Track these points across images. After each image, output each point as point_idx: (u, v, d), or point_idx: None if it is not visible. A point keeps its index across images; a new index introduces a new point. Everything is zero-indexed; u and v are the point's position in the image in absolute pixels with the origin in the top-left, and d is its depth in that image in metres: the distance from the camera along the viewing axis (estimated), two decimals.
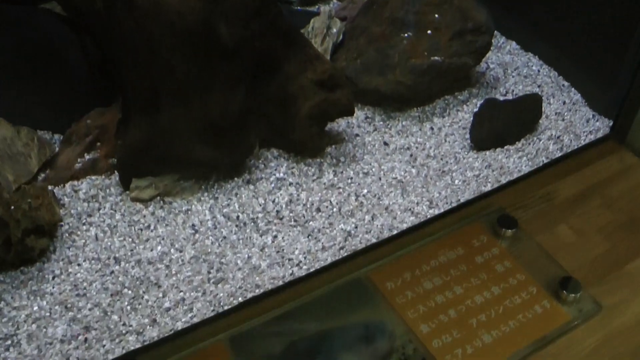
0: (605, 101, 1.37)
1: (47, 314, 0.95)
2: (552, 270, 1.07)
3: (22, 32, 1.18)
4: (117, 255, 1.03)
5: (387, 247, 1.09)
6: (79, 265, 1.01)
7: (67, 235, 1.05)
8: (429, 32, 1.31)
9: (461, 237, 1.11)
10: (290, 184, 1.16)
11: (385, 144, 1.26)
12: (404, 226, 1.12)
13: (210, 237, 1.06)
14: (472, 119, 1.29)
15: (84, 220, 1.08)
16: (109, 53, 1.16)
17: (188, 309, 0.97)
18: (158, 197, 1.11)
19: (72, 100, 1.20)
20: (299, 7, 1.53)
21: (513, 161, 1.25)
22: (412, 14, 1.32)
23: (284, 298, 1.01)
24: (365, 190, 1.16)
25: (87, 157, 1.15)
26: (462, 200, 1.17)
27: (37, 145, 1.14)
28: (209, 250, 1.05)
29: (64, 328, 0.93)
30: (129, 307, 0.97)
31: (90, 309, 0.96)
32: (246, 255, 1.04)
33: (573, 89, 1.43)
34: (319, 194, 1.14)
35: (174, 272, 1.01)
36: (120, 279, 1.00)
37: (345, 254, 1.07)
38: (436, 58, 1.29)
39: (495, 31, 1.43)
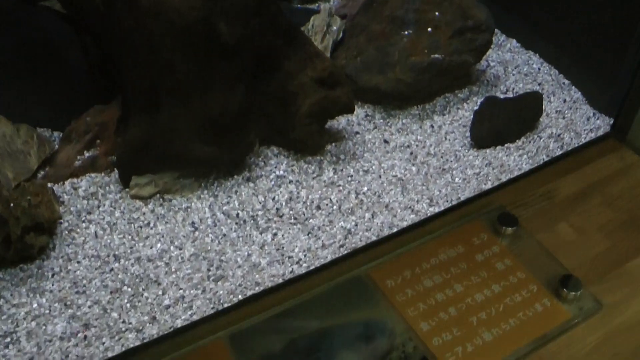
0: (606, 99, 1.37)
1: (47, 311, 0.95)
2: (553, 268, 1.07)
3: (21, 30, 1.18)
4: (116, 252, 1.03)
5: (387, 245, 1.09)
6: (78, 262, 1.01)
7: (66, 232, 1.05)
8: (429, 30, 1.31)
9: (461, 235, 1.11)
10: (290, 181, 1.15)
11: (386, 141, 1.25)
12: (404, 224, 1.11)
13: (210, 235, 1.06)
14: (472, 116, 1.28)
15: (84, 218, 1.07)
16: (109, 51, 1.16)
17: (188, 307, 0.97)
18: (158, 195, 1.11)
19: (72, 97, 1.20)
20: (299, 5, 1.53)
21: (513, 159, 1.24)
22: (412, 12, 1.32)
23: (283, 296, 1.00)
24: (366, 188, 1.16)
25: (86, 154, 1.15)
26: (462, 198, 1.17)
27: (36, 143, 1.14)
28: (209, 247, 1.04)
29: (64, 325, 0.93)
30: (128, 305, 0.96)
31: (89, 307, 0.96)
32: (246, 253, 1.04)
33: (573, 87, 1.43)
34: (319, 192, 1.14)
35: (173, 270, 1.01)
36: (119, 276, 1.00)
37: (345, 252, 1.07)
38: (436, 56, 1.29)
39: (496, 29, 1.43)
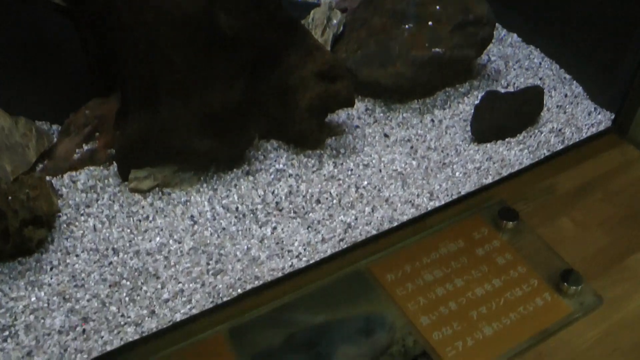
0: (607, 94, 1.36)
1: (45, 304, 0.94)
2: (554, 262, 1.07)
3: (20, 23, 1.17)
4: (115, 246, 1.02)
5: (387, 239, 1.08)
6: (77, 256, 1.01)
7: (65, 226, 1.05)
8: (430, 23, 1.31)
9: (462, 230, 1.11)
10: (290, 175, 1.15)
11: (386, 135, 1.25)
12: (404, 218, 1.11)
13: (209, 229, 1.06)
14: (473, 111, 1.28)
15: (82, 211, 1.07)
16: (108, 43, 1.15)
17: (187, 301, 0.97)
18: (157, 188, 1.11)
19: (71, 90, 1.19)
20: None
21: (514, 154, 1.24)
22: (413, 5, 1.32)
23: (283, 290, 1.00)
24: (366, 182, 1.15)
25: (85, 147, 1.15)
26: (462, 193, 1.16)
27: (35, 136, 1.13)
28: (208, 241, 1.04)
29: (62, 319, 0.93)
30: (127, 298, 0.96)
31: (88, 300, 0.95)
32: (245, 247, 1.04)
33: (575, 81, 1.42)
34: (319, 186, 1.14)
35: (172, 264, 1.01)
36: (118, 270, 0.99)
37: (345, 246, 1.06)
38: (437, 50, 1.28)
39: (497, 24, 1.42)
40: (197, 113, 1.07)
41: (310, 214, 1.09)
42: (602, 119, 1.34)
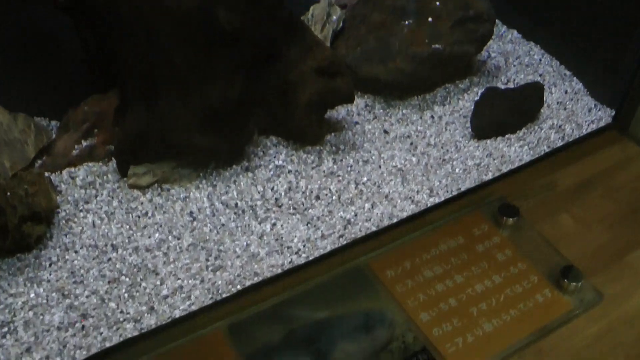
0: (608, 91, 1.36)
1: (44, 301, 0.94)
2: (554, 259, 1.06)
3: (19, 19, 1.17)
4: (114, 242, 1.02)
5: (387, 236, 1.08)
6: (76, 252, 1.00)
7: (64, 222, 1.04)
8: (430, 20, 1.30)
9: (462, 226, 1.11)
10: (290, 171, 1.15)
11: (386, 132, 1.25)
12: (404, 214, 1.11)
13: (209, 225, 1.06)
14: (473, 107, 1.28)
15: (81, 207, 1.07)
16: (107, 40, 1.14)
17: (186, 297, 0.96)
18: (156, 184, 1.11)
19: (69, 86, 1.19)
20: None
21: (514, 150, 1.24)
22: (412, 1, 1.31)
23: (282, 286, 1.00)
24: (365, 179, 1.15)
25: (84, 143, 1.14)
26: (462, 189, 1.16)
27: (33, 132, 1.13)
28: (207, 237, 1.04)
29: (61, 315, 0.92)
30: (126, 295, 0.96)
31: (87, 296, 0.95)
32: (245, 243, 1.03)
33: (575, 78, 1.42)
34: (319, 182, 1.13)
35: (171, 260, 1.00)
36: (117, 266, 0.99)
37: (345, 242, 1.06)
38: (437, 46, 1.28)
39: (497, 20, 1.42)
40: (196, 109, 1.07)
41: (310, 210, 1.09)
42: (603, 116, 1.34)
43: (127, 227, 1.04)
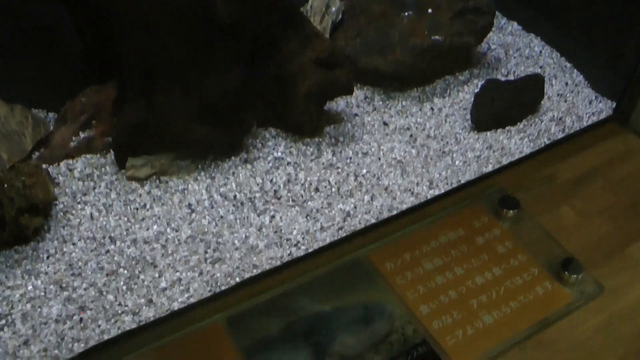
0: (609, 83, 1.35)
1: (42, 293, 0.94)
2: (554, 251, 1.06)
3: (16, 10, 1.16)
4: (112, 234, 1.01)
5: (386, 228, 1.08)
6: (73, 244, 1.00)
7: (61, 214, 1.04)
8: (429, 11, 1.30)
9: (462, 218, 1.10)
10: (289, 163, 1.14)
11: (385, 124, 1.24)
12: (404, 207, 1.10)
13: (207, 217, 1.05)
14: (472, 99, 1.27)
15: (79, 199, 1.06)
16: (105, 31, 1.14)
17: (185, 289, 0.96)
18: (154, 176, 1.10)
19: (67, 78, 1.18)
20: None
21: (514, 142, 1.23)
22: None
23: (282, 278, 0.99)
24: (365, 171, 1.14)
25: (82, 135, 1.14)
26: (462, 181, 1.15)
27: (31, 124, 1.12)
28: (206, 229, 1.03)
29: (59, 308, 0.92)
30: (124, 287, 0.95)
31: (85, 289, 0.95)
32: (243, 235, 1.03)
33: (576, 70, 1.41)
34: (318, 174, 1.13)
35: (170, 252, 1.00)
36: (115, 258, 0.98)
37: (344, 235, 1.05)
38: (437, 37, 1.27)
39: (497, 12, 1.41)
40: (195, 101, 1.06)
41: (309, 203, 1.08)
42: (603, 108, 1.33)
43: (125, 219, 1.04)
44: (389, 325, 0.94)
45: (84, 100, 1.15)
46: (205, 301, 0.95)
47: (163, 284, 0.96)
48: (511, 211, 1.10)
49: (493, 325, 0.95)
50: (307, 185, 1.11)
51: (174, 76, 1.05)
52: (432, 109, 1.28)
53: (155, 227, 1.03)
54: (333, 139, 1.19)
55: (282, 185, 1.10)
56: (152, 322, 0.92)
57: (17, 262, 0.97)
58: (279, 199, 1.09)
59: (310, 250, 1.03)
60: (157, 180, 1.10)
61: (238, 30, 1.06)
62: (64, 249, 0.99)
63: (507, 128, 1.26)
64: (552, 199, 1.16)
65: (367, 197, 1.10)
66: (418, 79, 1.33)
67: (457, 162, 1.18)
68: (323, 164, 1.15)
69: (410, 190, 1.12)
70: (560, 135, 1.26)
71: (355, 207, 1.08)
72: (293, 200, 1.08)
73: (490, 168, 1.18)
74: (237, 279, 0.98)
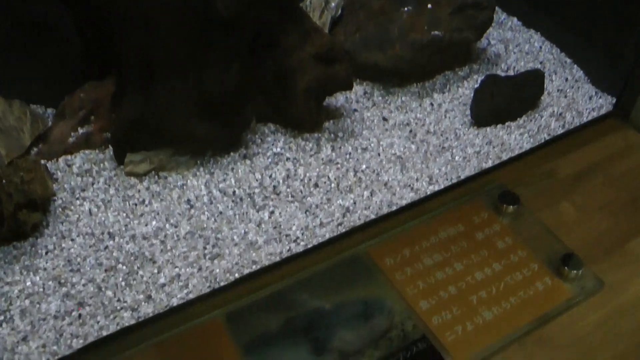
0: (609, 78, 1.35)
1: (41, 289, 0.93)
2: (554, 247, 1.06)
3: (14, 5, 1.16)
4: (111, 230, 1.01)
5: (386, 224, 1.07)
6: (72, 240, 1.00)
7: (60, 210, 1.03)
8: (429, 6, 1.29)
9: (461, 214, 1.10)
10: (288, 159, 1.14)
11: (384, 119, 1.24)
12: (404, 202, 1.10)
13: (206, 213, 1.05)
14: (472, 95, 1.27)
15: (78, 195, 1.06)
16: (103, 26, 1.13)
17: (184, 285, 0.96)
18: (153, 172, 1.10)
19: (66, 73, 1.18)
20: None
21: (514, 138, 1.23)
22: None
23: (281, 274, 0.99)
24: (364, 166, 1.14)
25: (80, 131, 1.13)
26: (462, 177, 1.15)
27: (29, 119, 1.12)
28: (205, 225, 1.03)
29: (58, 304, 0.92)
30: (123, 283, 0.95)
31: (84, 285, 0.94)
32: (243, 231, 1.03)
33: (576, 65, 1.41)
34: (317, 170, 1.12)
35: (169, 248, 0.99)
36: (114, 254, 0.98)
37: (344, 230, 1.05)
38: (436, 33, 1.27)
39: (497, 7, 1.41)
40: (194, 96, 1.06)
41: (308, 198, 1.08)
42: (603, 103, 1.33)
43: (124, 215, 1.03)
44: (389, 321, 0.94)
45: (82, 96, 1.14)
46: (204, 297, 0.95)
47: (162, 280, 0.96)
48: (511, 207, 1.10)
49: (493, 321, 0.95)
50: (306, 181, 1.10)
51: (173, 72, 1.04)
52: (431, 104, 1.28)
53: (154, 222, 1.03)
54: (332, 135, 1.19)
55: (281, 181, 1.10)
56: (151, 318, 0.92)
57: (15, 258, 0.97)
58: (278, 194, 1.08)
59: (309, 246, 1.02)
60: (156, 176, 1.09)
61: (237, 26, 1.05)
62: (63, 245, 0.99)
63: (507, 124, 1.26)
64: (552, 195, 1.15)
65: (366, 193, 1.10)
66: (418, 75, 1.32)
67: (456, 158, 1.18)
68: (322, 159, 1.15)
69: (409, 185, 1.12)
70: (560, 131, 1.26)
71: (354, 203, 1.08)
72: (292, 196, 1.08)
73: (490, 164, 1.18)
74: (236, 275, 0.98)
